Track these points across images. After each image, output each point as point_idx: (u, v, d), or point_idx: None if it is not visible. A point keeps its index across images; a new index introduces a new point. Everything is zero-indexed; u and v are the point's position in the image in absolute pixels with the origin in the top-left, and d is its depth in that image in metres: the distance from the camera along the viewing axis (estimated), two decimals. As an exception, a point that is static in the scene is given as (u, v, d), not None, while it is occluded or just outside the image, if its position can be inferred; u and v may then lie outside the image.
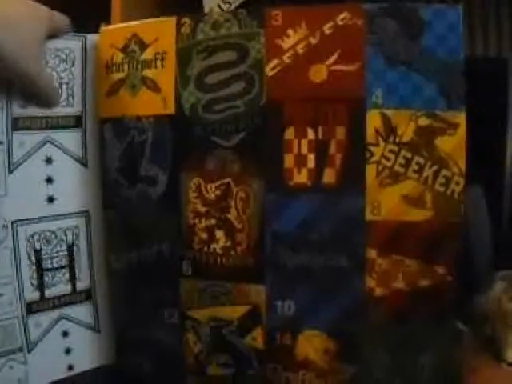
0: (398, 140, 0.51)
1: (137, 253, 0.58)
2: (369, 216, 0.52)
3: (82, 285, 0.60)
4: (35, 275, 0.57)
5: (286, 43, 0.53)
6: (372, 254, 0.52)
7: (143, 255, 0.58)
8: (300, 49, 0.53)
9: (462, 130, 0.51)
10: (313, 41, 0.52)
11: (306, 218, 0.53)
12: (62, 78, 0.58)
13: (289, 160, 0.53)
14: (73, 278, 0.59)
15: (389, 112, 0.51)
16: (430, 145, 0.51)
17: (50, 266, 0.58)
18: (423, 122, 0.51)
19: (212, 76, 0.55)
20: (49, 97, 0.56)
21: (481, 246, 0.70)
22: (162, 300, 0.58)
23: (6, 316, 0.55)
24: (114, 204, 0.59)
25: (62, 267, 0.59)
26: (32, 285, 0.57)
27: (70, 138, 0.59)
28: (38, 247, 0.57)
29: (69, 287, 0.59)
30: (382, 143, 0.52)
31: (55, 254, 0.58)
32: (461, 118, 0.51)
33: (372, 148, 0.52)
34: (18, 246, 0.56)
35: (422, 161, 0.51)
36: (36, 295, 0.57)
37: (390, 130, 0.51)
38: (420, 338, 0.52)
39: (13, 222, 0.56)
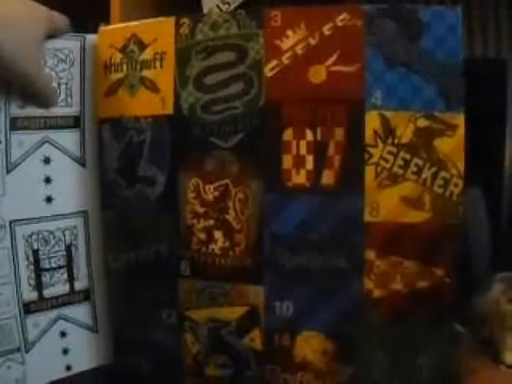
0: (396, 141, 0.51)
1: (135, 253, 0.58)
2: (367, 217, 0.52)
3: (80, 285, 0.60)
4: (33, 275, 0.57)
5: (285, 44, 0.53)
6: (370, 255, 0.52)
7: (141, 255, 0.58)
8: (299, 49, 0.53)
9: (461, 132, 0.51)
10: (312, 42, 0.52)
11: (305, 219, 0.53)
12: (60, 78, 0.58)
13: (287, 161, 0.53)
14: (71, 278, 0.59)
15: (388, 113, 0.51)
16: (428, 146, 0.51)
17: (48, 266, 0.58)
18: (422, 123, 0.51)
19: (211, 76, 0.55)
20: (47, 97, 0.56)
21: (479, 247, 0.70)
22: (160, 300, 0.58)
23: (4, 316, 0.55)
24: (113, 204, 0.59)
25: (60, 267, 0.59)
26: (30, 285, 0.57)
27: (68, 138, 0.59)
28: (36, 247, 0.57)
29: (67, 287, 0.59)
30: (380, 144, 0.52)
31: (53, 254, 0.58)
32: (460, 119, 0.51)
33: (371, 149, 0.52)
34: (15, 246, 0.56)
35: (420, 162, 0.51)
36: (34, 295, 0.57)
37: (388, 131, 0.51)
38: (418, 340, 0.52)
39: (11, 222, 0.55)
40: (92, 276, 0.61)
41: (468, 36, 0.88)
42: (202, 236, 0.56)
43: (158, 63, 0.57)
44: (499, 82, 0.74)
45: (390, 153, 0.51)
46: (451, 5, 0.88)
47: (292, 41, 0.53)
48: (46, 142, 0.57)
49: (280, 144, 0.53)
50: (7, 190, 0.55)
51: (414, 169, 0.51)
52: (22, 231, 0.56)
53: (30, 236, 0.57)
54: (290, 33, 0.53)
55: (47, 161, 0.58)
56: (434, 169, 0.51)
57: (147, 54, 0.57)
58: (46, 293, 0.58)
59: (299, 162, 0.53)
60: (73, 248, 0.60)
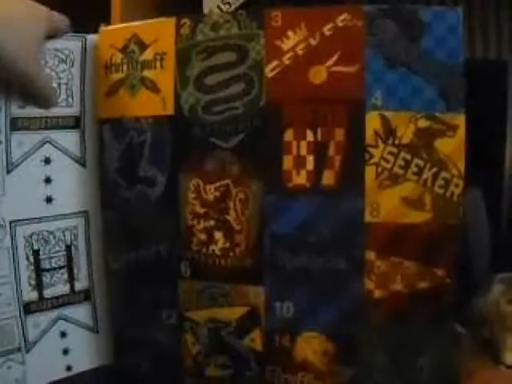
0: (397, 142, 0.51)
1: (135, 253, 0.58)
2: (368, 218, 0.52)
3: (80, 285, 0.60)
4: (33, 275, 0.57)
5: (286, 44, 0.53)
6: (371, 255, 0.52)
7: (142, 256, 0.58)
8: (300, 50, 0.53)
9: (462, 132, 0.51)
10: (312, 42, 0.52)
11: (305, 219, 0.53)
12: (61, 79, 0.58)
13: (288, 161, 0.53)
14: (71, 279, 0.59)
15: (388, 114, 0.51)
16: (429, 147, 0.51)
17: (48, 267, 0.58)
18: (423, 123, 0.51)
19: (211, 77, 0.55)
20: (47, 97, 0.56)
21: (480, 248, 0.70)
22: (161, 301, 0.58)
23: (4, 316, 0.55)
24: (113, 204, 0.59)
25: (61, 267, 0.59)
26: (30, 285, 0.57)
27: (68, 139, 0.59)
28: (36, 247, 0.57)
29: (67, 287, 0.59)
30: (381, 145, 0.52)
31: (54, 255, 0.58)
32: (460, 120, 0.51)
33: (371, 150, 0.52)
34: (16, 246, 0.56)
35: (421, 163, 0.51)
36: (34, 295, 0.57)
37: (389, 131, 0.51)
38: (419, 340, 0.52)
39: (11, 222, 0.55)
40: (92, 276, 0.61)
41: (469, 37, 0.88)
42: (203, 236, 0.56)
43: (158, 63, 0.57)
44: (500, 83, 0.74)
45: (390, 153, 0.51)
46: (452, 5, 0.88)
47: (292, 41, 0.53)
48: (47, 142, 0.57)
49: (280, 144, 0.53)
50: (7, 190, 0.55)
51: (415, 169, 0.51)
52: (22, 231, 0.56)
53: (31, 236, 0.57)
54: (290, 33, 0.53)
55: (47, 161, 0.58)
56: (434, 169, 0.51)
57: (148, 55, 0.57)
58: (47, 293, 0.58)
59: (300, 162, 0.53)
60: (73, 248, 0.59)
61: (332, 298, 0.53)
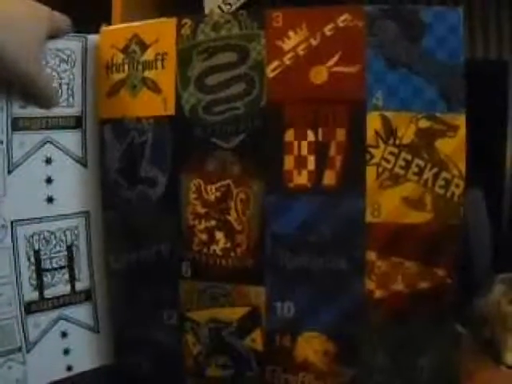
0: (398, 142, 0.51)
1: (136, 254, 0.58)
2: (369, 218, 0.52)
3: (81, 285, 0.60)
4: (34, 275, 0.57)
5: (287, 45, 0.53)
6: (372, 256, 0.52)
7: (143, 256, 0.58)
8: (300, 50, 0.53)
9: (462, 133, 0.51)
10: (313, 42, 0.52)
11: (306, 219, 0.53)
12: (62, 79, 0.58)
13: (289, 162, 0.53)
14: (72, 279, 0.59)
15: (389, 114, 0.51)
16: (430, 147, 0.51)
17: (49, 267, 0.58)
18: (423, 124, 0.51)
19: (212, 77, 0.55)
20: (48, 97, 0.56)
21: (480, 248, 0.70)
22: (162, 301, 0.58)
23: (5, 316, 0.55)
24: (114, 205, 0.59)
25: (62, 267, 0.59)
26: (31, 285, 0.57)
27: (69, 139, 0.59)
28: (37, 247, 0.57)
29: (68, 288, 0.59)
30: (382, 145, 0.52)
31: (54, 255, 0.58)
32: (461, 120, 0.51)
33: (372, 150, 0.52)
34: (17, 246, 0.56)
35: (422, 163, 0.51)
36: (35, 295, 0.57)
37: (390, 132, 0.51)
38: (419, 340, 0.52)
39: (12, 222, 0.55)
40: (93, 276, 0.61)
41: (469, 37, 0.88)
42: (204, 237, 0.56)
43: (159, 64, 0.57)
44: (501, 84, 0.74)
45: (391, 153, 0.51)
46: (452, 5, 0.88)
47: (293, 41, 0.53)
48: (48, 142, 0.57)
49: (282, 145, 0.53)
50: (9, 191, 0.55)
51: (416, 169, 0.51)
52: (23, 231, 0.56)
53: (32, 236, 0.57)
54: (291, 33, 0.53)
55: (49, 161, 0.58)
56: (435, 169, 0.51)
57: (149, 55, 0.57)
58: (47, 293, 0.58)
59: (301, 162, 0.53)
60: (74, 248, 0.59)
61: (333, 298, 0.53)
